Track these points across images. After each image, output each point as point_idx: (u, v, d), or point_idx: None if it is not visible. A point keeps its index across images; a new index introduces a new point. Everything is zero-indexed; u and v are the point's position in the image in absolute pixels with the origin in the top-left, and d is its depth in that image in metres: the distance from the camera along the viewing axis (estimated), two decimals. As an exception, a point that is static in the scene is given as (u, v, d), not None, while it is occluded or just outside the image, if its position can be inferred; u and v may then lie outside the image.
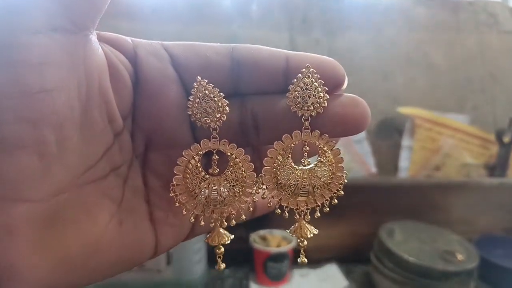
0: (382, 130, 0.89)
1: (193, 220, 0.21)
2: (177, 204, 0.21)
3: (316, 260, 0.83)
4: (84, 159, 0.18)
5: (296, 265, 0.80)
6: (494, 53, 0.95)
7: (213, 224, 0.22)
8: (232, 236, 0.22)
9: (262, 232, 0.79)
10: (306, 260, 0.22)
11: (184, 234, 0.23)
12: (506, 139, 0.86)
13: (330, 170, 0.21)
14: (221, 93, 0.20)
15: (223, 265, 0.22)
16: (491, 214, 0.87)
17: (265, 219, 0.67)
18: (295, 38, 0.90)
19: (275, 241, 0.77)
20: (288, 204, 0.21)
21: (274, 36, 0.90)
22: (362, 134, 0.87)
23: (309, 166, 0.21)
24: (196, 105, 0.20)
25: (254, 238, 0.77)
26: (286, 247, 0.76)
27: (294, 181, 0.21)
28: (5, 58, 0.15)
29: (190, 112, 0.20)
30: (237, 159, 0.21)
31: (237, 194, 0.21)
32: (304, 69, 0.20)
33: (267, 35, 0.89)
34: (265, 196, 0.21)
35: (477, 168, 0.89)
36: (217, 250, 0.22)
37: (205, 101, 0.20)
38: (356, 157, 0.85)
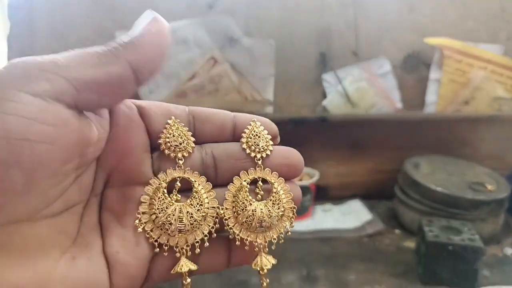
0: (409, 64, 0.85)
1: (158, 250, 0.23)
2: (139, 230, 0.22)
3: (339, 197, 0.83)
4: (45, 199, 0.19)
5: (319, 201, 0.80)
6: (531, -21, 0.88)
7: (178, 253, 0.23)
8: (196, 267, 0.23)
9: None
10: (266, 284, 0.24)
11: (139, 277, 0.23)
12: (542, 70, 0.81)
13: (281, 204, 0.24)
14: (189, 132, 0.24)
15: None
16: (523, 149, 0.83)
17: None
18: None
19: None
20: (247, 237, 0.24)
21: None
22: (388, 67, 0.83)
23: (263, 201, 0.24)
24: (169, 135, 0.23)
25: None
26: (308, 181, 0.75)
27: (250, 213, 0.24)
28: (1, 107, 0.17)
29: (161, 141, 0.23)
30: (200, 186, 0.24)
31: (202, 218, 0.23)
32: (251, 122, 0.25)
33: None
34: (226, 228, 0.24)
35: (509, 102, 0.84)
36: (184, 282, 0.23)
37: (177, 133, 0.23)
38: (380, 92, 0.82)
